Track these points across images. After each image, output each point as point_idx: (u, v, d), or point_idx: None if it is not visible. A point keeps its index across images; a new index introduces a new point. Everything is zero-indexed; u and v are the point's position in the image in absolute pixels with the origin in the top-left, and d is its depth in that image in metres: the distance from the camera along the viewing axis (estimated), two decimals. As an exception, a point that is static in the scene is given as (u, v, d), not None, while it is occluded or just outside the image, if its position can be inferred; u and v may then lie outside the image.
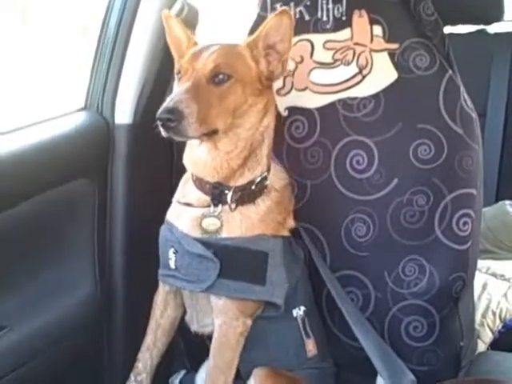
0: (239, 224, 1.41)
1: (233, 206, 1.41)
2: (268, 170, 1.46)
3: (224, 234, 1.41)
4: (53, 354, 1.57)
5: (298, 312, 1.49)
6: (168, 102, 1.30)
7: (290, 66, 1.60)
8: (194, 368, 1.63)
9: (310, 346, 1.50)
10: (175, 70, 1.43)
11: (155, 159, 1.78)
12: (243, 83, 1.37)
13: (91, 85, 1.76)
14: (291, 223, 1.51)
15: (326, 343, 1.57)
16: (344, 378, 1.60)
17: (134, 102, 1.71)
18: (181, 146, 1.86)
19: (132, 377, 1.55)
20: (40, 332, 1.54)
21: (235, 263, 1.40)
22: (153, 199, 1.76)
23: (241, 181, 1.42)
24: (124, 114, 1.72)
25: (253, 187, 1.43)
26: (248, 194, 1.42)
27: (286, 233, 1.48)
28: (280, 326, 1.48)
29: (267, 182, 1.45)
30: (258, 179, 1.43)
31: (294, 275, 1.48)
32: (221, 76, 1.35)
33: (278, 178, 1.49)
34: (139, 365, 1.55)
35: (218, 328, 1.44)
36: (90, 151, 1.70)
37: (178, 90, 1.33)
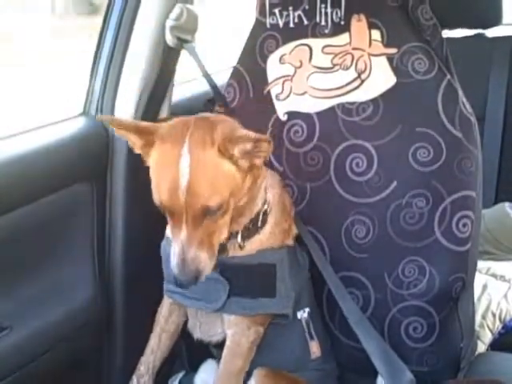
0: (247, 247, 1.39)
1: (242, 243, 1.38)
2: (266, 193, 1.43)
3: (230, 253, 1.39)
4: (53, 355, 1.57)
5: (303, 314, 1.49)
6: (179, 263, 1.19)
7: (290, 70, 1.61)
8: (194, 369, 1.63)
9: (314, 348, 1.50)
10: (156, 202, 1.24)
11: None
12: (234, 195, 1.25)
13: (90, 90, 1.76)
14: (295, 230, 1.50)
15: (329, 345, 1.58)
16: (344, 379, 1.60)
17: (133, 107, 1.71)
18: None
19: (135, 379, 1.55)
20: (41, 334, 1.54)
21: (244, 280, 1.38)
22: (152, 203, 1.76)
23: (245, 220, 1.38)
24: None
25: (259, 224, 1.39)
26: (255, 229, 1.39)
27: (291, 241, 1.48)
28: (285, 329, 1.48)
29: (270, 208, 1.42)
30: (262, 213, 1.40)
31: (300, 281, 1.49)
32: (211, 210, 1.21)
33: (273, 187, 1.46)
34: (141, 367, 1.55)
35: (230, 337, 1.43)
36: (90, 156, 1.70)
37: (179, 243, 1.20)
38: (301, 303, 1.49)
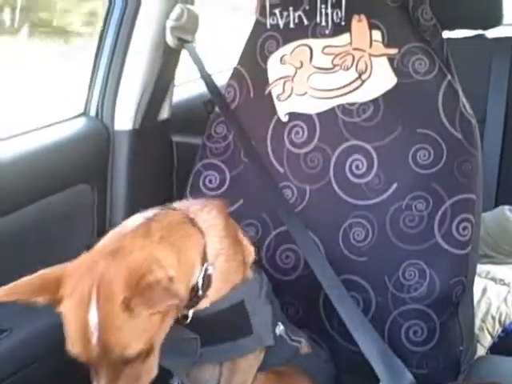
0: (207, 299, 1.29)
1: (187, 313, 1.25)
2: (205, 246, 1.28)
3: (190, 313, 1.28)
4: (54, 358, 1.56)
5: (279, 329, 1.43)
6: None
7: (290, 71, 1.60)
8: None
9: (305, 348, 1.48)
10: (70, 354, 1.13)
11: (155, 165, 1.78)
12: (157, 335, 1.14)
13: (91, 90, 1.76)
14: (251, 255, 1.40)
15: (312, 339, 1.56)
16: (344, 382, 1.60)
17: (134, 107, 1.71)
18: (182, 152, 1.86)
19: None
20: (41, 336, 1.54)
21: (215, 328, 1.31)
22: (153, 205, 1.75)
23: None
24: (124, 119, 1.72)
25: (201, 291, 1.25)
26: (202, 294, 1.26)
27: (250, 271, 1.38)
28: (272, 349, 1.43)
29: (212, 263, 1.28)
30: (202, 278, 1.25)
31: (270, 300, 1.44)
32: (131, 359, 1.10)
33: (214, 228, 1.32)
34: None
35: (226, 363, 1.37)
36: (90, 157, 1.70)
37: None
38: (274, 320, 1.42)
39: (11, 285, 1.14)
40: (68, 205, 1.63)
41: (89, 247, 1.21)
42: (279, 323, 1.44)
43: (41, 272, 1.15)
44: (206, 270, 1.27)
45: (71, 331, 1.11)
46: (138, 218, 1.25)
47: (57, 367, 1.58)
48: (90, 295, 1.09)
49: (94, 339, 1.08)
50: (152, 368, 1.16)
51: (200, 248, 1.27)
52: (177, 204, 1.39)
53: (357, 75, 1.56)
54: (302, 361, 1.48)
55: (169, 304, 1.10)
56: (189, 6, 1.69)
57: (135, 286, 1.09)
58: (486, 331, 1.82)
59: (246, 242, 1.42)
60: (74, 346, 1.11)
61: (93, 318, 1.08)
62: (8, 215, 1.46)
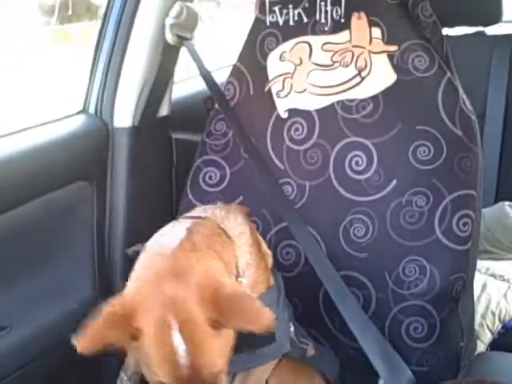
0: None
1: None
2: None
3: None
4: (53, 355, 1.56)
5: (290, 330, 1.43)
6: None
7: (290, 68, 1.60)
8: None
9: (311, 351, 1.48)
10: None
11: (155, 162, 1.78)
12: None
13: (90, 87, 1.76)
14: (270, 259, 1.42)
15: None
16: (345, 379, 1.60)
17: (133, 104, 1.71)
18: (181, 149, 1.86)
19: (122, 374, 1.51)
20: (41, 333, 1.54)
21: (242, 339, 1.27)
22: (152, 202, 1.76)
23: None
24: (123, 116, 1.72)
25: None
26: None
27: (272, 279, 1.40)
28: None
29: (244, 282, 1.28)
30: None
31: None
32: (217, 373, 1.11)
33: (243, 237, 1.34)
34: (129, 360, 1.51)
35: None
36: (89, 154, 1.70)
37: None
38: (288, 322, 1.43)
39: (88, 332, 1.07)
40: (67, 202, 1.63)
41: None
42: (290, 324, 1.45)
43: (105, 311, 1.10)
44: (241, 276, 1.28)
45: (159, 360, 1.09)
46: (177, 231, 1.23)
47: (57, 365, 1.58)
48: (168, 322, 1.08)
49: (184, 363, 1.07)
50: (223, 380, 1.16)
51: (235, 260, 1.28)
52: (200, 211, 1.38)
53: (356, 72, 1.56)
54: (309, 360, 1.48)
55: (256, 309, 1.09)
56: (188, 4, 1.69)
57: (213, 304, 1.08)
58: (485, 327, 1.82)
59: (264, 245, 1.43)
60: (163, 374, 1.09)
61: (179, 343, 1.07)
62: (7, 212, 1.45)
